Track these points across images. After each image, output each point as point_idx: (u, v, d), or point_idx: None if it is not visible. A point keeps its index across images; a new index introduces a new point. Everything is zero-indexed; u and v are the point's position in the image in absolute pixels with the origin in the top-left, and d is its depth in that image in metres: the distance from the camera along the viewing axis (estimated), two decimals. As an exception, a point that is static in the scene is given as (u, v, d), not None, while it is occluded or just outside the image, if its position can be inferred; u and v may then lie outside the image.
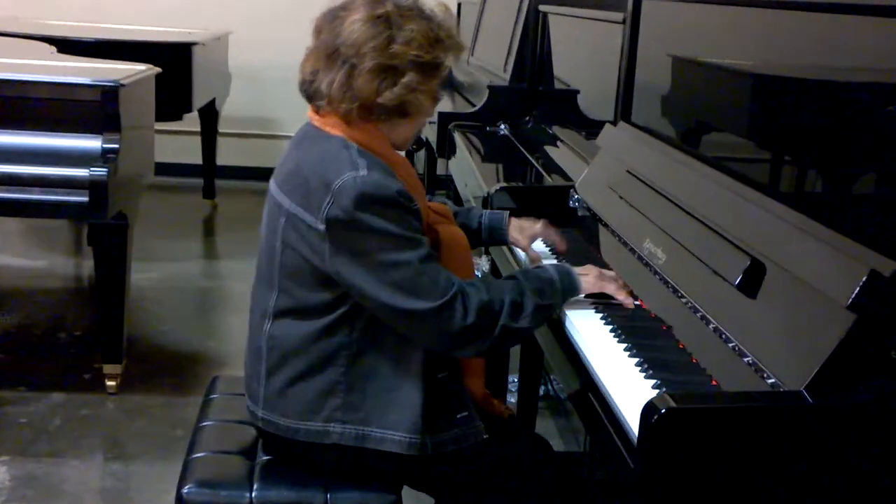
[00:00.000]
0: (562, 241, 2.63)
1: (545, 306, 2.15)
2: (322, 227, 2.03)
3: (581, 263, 2.42)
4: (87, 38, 5.53)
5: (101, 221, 3.77)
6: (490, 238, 2.62)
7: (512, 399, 3.61)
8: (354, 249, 2.03)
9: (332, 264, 2.05)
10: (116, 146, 3.68)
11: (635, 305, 2.29)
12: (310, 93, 2.18)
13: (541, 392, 3.77)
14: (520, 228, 2.62)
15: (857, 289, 1.62)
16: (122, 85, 3.73)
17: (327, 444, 2.16)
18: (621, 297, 2.28)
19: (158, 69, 4.33)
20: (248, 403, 2.30)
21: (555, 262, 2.53)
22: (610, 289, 2.28)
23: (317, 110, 2.19)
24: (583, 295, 2.27)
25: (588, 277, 2.26)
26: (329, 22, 2.15)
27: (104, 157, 3.66)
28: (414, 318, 2.05)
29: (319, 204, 2.03)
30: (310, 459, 2.22)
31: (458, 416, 2.20)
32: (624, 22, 3.06)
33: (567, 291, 2.21)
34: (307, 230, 2.07)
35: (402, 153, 2.35)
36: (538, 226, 2.63)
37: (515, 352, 3.46)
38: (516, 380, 3.57)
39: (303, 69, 2.19)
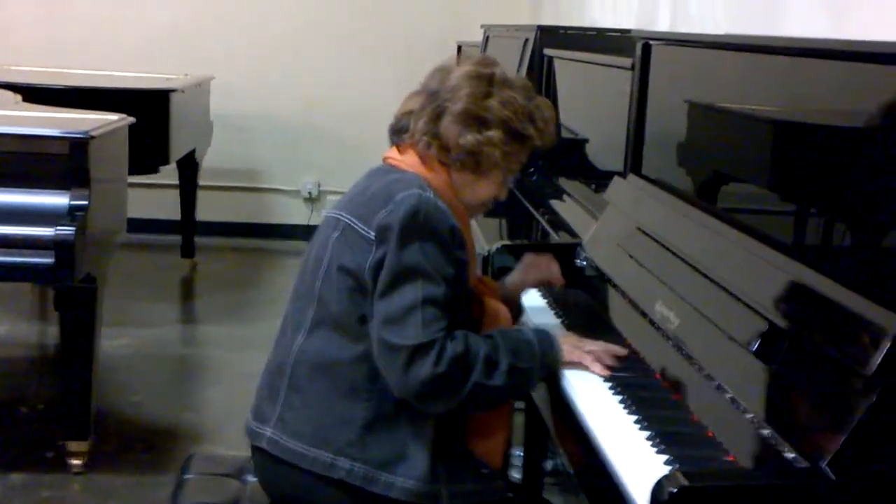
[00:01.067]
0: (550, 266, 2.72)
1: (521, 369, 2.21)
2: (372, 234, 2.18)
3: (590, 325, 2.45)
4: (55, 85, 5.58)
5: (67, 284, 3.76)
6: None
7: (517, 474, 3.60)
8: (391, 260, 2.15)
9: (368, 273, 2.18)
10: (85, 202, 3.69)
11: (648, 373, 2.30)
12: (397, 128, 2.38)
13: (549, 467, 3.76)
14: (512, 283, 2.71)
15: (882, 357, 1.64)
16: (93, 137, 3.75)
17: (333, 479, 2.21)
18: (597, 369, 2.29)
19: (132, 119, 4.35)
20: (252, 426, 2.36)
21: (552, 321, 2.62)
22: (586, 360, 2.31)
23: (398, 147, 2.35)
24: (562, 361, 2.30)
25: (569, 349, 2.31)
26: (438, 73, 2.35)
27: (72, 214, 3.67)
28: (389, 351, 2.13)
29: (377, 212, 2.18)
30: (310, 493, 2.26)
31: (482, 470, 2.28)
32: (633, 68, 3.10)
33: (545, 354, 2.26)
34: (357, 240, 2.21)
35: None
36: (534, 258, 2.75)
37: (520, 423, 3.46)
38: (521, 454, 3.56)
39: (401, 108, 2.38)
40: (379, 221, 2.18)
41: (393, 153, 2.37)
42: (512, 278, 2.70)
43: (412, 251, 2.14)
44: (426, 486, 2.19)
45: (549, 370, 2.28)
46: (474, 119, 2.25)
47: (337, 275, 2.24)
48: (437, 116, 2.27)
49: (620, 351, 2.36)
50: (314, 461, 2.22)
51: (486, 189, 2.36)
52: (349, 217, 2.26)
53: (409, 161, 2.32)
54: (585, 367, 2.30)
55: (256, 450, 2.36)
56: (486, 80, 2.29)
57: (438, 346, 2.11)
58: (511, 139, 2.28)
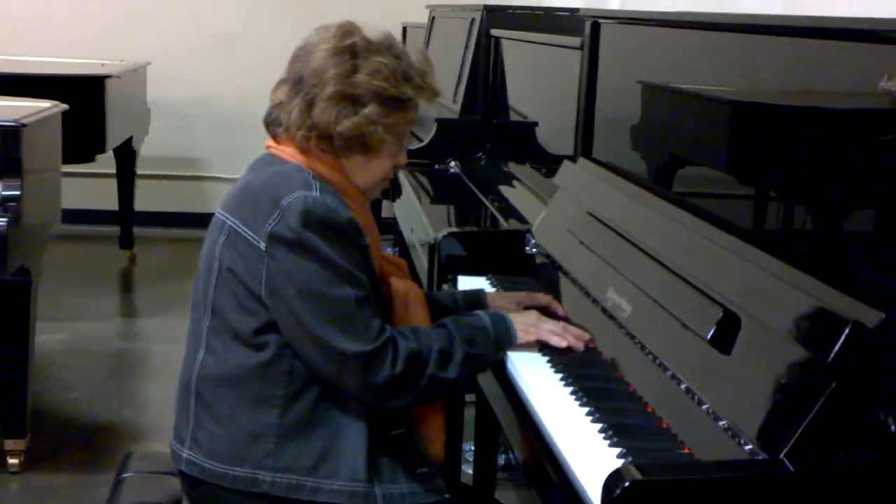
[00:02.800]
0: (553, 302, 2.61)
1: (476, 355, 2.22)
2: (263, 244, 2.11)
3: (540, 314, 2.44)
4: (-15, 71, 5.50)
5: (0, 278, 3.73)
6: (468, 310, 2.55)
7: (468, 469, 3.59)
8: (294, 272, 2.10)
9: (266, 286, 2.12)
10: (18, 193, 3.66)
11: (600, 363, 2.29)
12: (269, 121, 2.30)
13: (501, 461, 3.76)
14: (501, 297, 2.64)
15: (840, 343, 1.63)
16: (24, 125, 3.72)
17: (256, 493, 2.18)
18: (563, 343, 2.31)
19: (66, 106, 4.32)
20: (173, 446, 2.32)
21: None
22: (549, 337, 2.32)
23: (275, 138, 2.29)
24: (517, 342, 2.31)
25: (524, 328, 2.32)
26: (300, 53, 2.27)
27: (3, 205, 3.63)
28: (342, 360, 2.10)
29: (265, 220, 2.12)
30: None
31: (418, 471, 2.24)
32: (582, 47, 3.09)
33: (500, 339, 2.27)
34: (246, 248, 2.14)
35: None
36: (522, 293, 2.65)
37: (470, 417, 3.45)
38: (472, 448, 3.55)
39: (272, 99, 2.30)
40: (269, 231, 2.11)
41: (273, 143, 2.31)
42: (499, 301, 2.60)
43: (321, 254, 2.09)
44: (356, 486, 2.16)
45: (505, 349, 2.30)
46: (346, 100, 2.18)
47: (229, 283, 2.19)
48: (308, 106, 2.20)
49: (582, 335, 2.35)
50: (235, 479, 2.19)
51: (380, 165, 2.29)
52: (234, 220, 2.19)
53: (290, 151, 2.25)
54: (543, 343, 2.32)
55: (179, 470, 2.32)
56: (349, 54, 2.20)
57: (391, 347, 2.11)
58: (389, 108, 2.21)
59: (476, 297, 2.60)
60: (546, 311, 2.52)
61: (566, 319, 2.51)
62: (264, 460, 2.17)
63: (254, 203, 2.16)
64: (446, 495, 2.25)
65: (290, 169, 2.20)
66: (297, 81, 2.22)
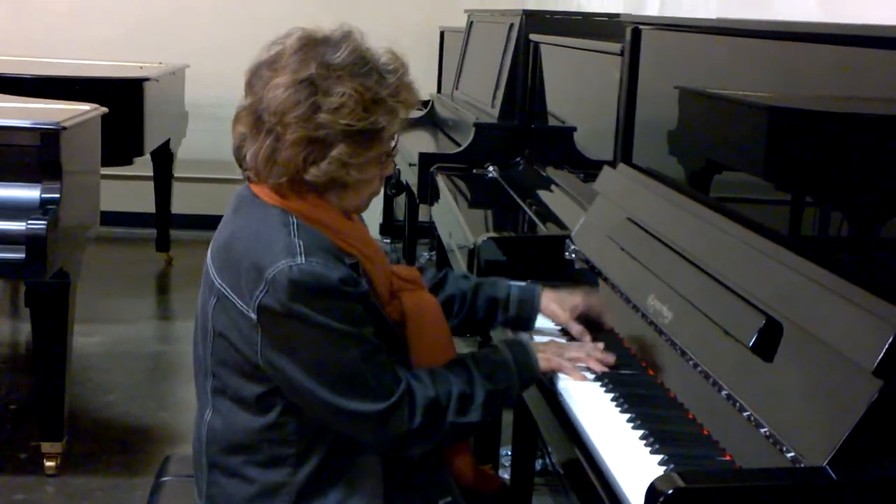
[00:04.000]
0: (606, 313, 2.57)
1: (498, 392, 2.16)
2: (253, 315, 2.02)
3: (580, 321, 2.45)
4: (25, 74, 5.54)
5: (39, 280, 3.75)
6: (519, 310, 2.51)
7: (505, 474, 3.59)
8: (290, 343, 2.02)
9: (263, 356, 2.04)
10: (57, 196, 3.68)
11: (641, 369, 2.29)
12: (238, 157, 2.17)
13: (538, 466, 3.76)
14: (557, 299, 2.53)
15: (884, 352, 1.63)
16: (64, 128, 3.73)
17: None
18: (575, 376, 2.24)
19: (105, 109, 4.34)
20: (194, 489, 2.30)
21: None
22: (565, 368, 2.25)
23: (248, 180, 2.17)
24: (540, 373, 2.25)
25: (546, 357, 2.25)
26: (255, 79, 2.13)
27: (43, 208, 3.65)
28: (357, 420, 2.05)
29: (252, 290, 2.02)
30: None
31: (440, 501, 2.21)
32: (622, 53, 3.09)
33: (522, 370, 2.20)
34: (238, 315, 2.06)
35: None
36: (578, 297, 2.55)
37: (508, 422, 3.45)
38: (510, 452, 3.55)
39: (234, 132, 2.17)
40: (258, 303, 2.00)
41: (252, 185, 2.16)
42: (554, 304, 2.51)
43: (318, 323, 1.99)
44: None
45: (528, 383, 2.26)
46: (312, 143, 2.02)
47: (225, 349, 2.11)
48: (273, 151, 2.04)
49: (606, 358, 2.29)
50: None
51: (365, 190, 2.17)
52: (221, 284, 2.10)
53: (268, 194, 2.11)
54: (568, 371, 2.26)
55: None
56: (308, 88, 2.02)
57: (407, 400, 2.04)
58: (361, 145, 2.06)
59: (529, 298, 2.50)
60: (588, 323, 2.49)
61: (614, 339, 2.47)
62: None
63: (238, 268, 2.06)
64: None
65: (272, 224, 2.07)
66: (256, 119, 2.07)
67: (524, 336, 2.39)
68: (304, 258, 2.00)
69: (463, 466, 2.34)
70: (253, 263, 2.03)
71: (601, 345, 2.36)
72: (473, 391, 2.11)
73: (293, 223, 2.06)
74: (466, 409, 2.09)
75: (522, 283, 2.61)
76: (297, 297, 1.98)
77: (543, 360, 2.24)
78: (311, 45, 2.09)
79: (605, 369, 2.27)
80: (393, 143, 2.17)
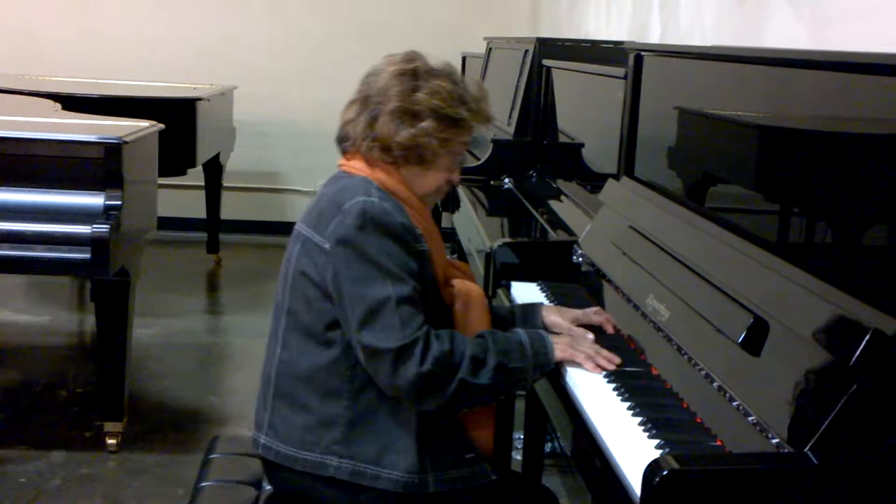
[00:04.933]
0: (608, 323, 2.52)
1: (511, 368, 2.14)
2: (328, 245, 2.12)
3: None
4: (91, 94, 5.57)
5: (103, 278, 3.77)
6: (523, 321, 2.53)
7: (517, 456, 3.59)
8: (349, 271, 2.10)
9: (330, 283, 2.12)
10: (119, 203, 3.69)
11: (640, 363, 2.28)
12: (340, 138, 2.31)
13: (547, 449, 3.75)
14: (558, 311, 2.56)
15: (861, 349, 1.62)
16: (125, 142, 3.75)
17: (323, 477, 2.19)
18: (590, 366, 2.22)
19: (162, 125, 4.35)
20: (253, 434, 2.34)
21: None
22: (579, 357, 2.24)
23: (346, 154, 2.29)
24: (555, 360, 2.22)
25: (562, 348, 2.23)
26: (368, 76, 2.29)
27: (106, 213, 3.67)
28: (374, 356, 2.07)
29: (328, 223, 2.13)
30: (309, 492, 2.23)
31: (466, 455, 2.22)
32: (626, 77, 3.08)
33: (538, 354, 2.18)
34: (316, 251, 2.15)
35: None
36: (578, 311, 2.56)
37: (521, 408, 3.45)
38: (522, 436, 3.55)
39: (342, 118, 2.31)
40: (331, 231, 2.13)
41: (343, 160, 2.31)
42: (554, 316, 2.52)
43: (368, 251, 2.09)
44: (412, 476, 2.15)
45: (544, 370, 2.21)
46: (406, 114, 2.19)
47: (301, 285, 2.20)
48: (372, 120, 2.21)
49: (613, 358, 2.26)
50: (305, 462, 2.20)
51: (435, 177, 2.28)
52: (306, 229, 2.21)
53: (357, 166, 2.25)
54: (578, 364, 2.24)
55: (259, 455, 2.33)
56: (411, 75, 2.22)
57: (422, 345, 2.05)
58: (445, 125, 2.21)
59: (531, 310, 2.54)
60: (594, 328, 2.46)
61: (616, 336, 2.46)
62: (332, 447, 2.18)
63: (322, 213, 2.18)
64: (493, 477, 2.23)
65: (357, 181, 2.21)
66: (365, 100, 2.24)
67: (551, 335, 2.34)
68: (377, 199, 2.14)
69: (483, 440, 2.32)
70: (335, 203, 2.16)
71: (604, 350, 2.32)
72: (486, 358, 2.11)
73: (374, 185, 2.19)
74: (477, 371, 2.09)
75: (524, 304, 2.65)
76: (364, 225, 2.10)
77: (559, 350, 2.23)
78: (417, 55, 2.29)
79: (613, 367, 2.24)
80: (464, 151, 2.32)
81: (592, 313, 2.53)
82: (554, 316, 2.52)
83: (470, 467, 2.22)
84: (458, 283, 2.34)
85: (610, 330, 2.50)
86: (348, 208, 2.12)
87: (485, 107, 2.30)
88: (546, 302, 2.77)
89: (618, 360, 2.26)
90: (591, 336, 2.38)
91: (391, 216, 2.12)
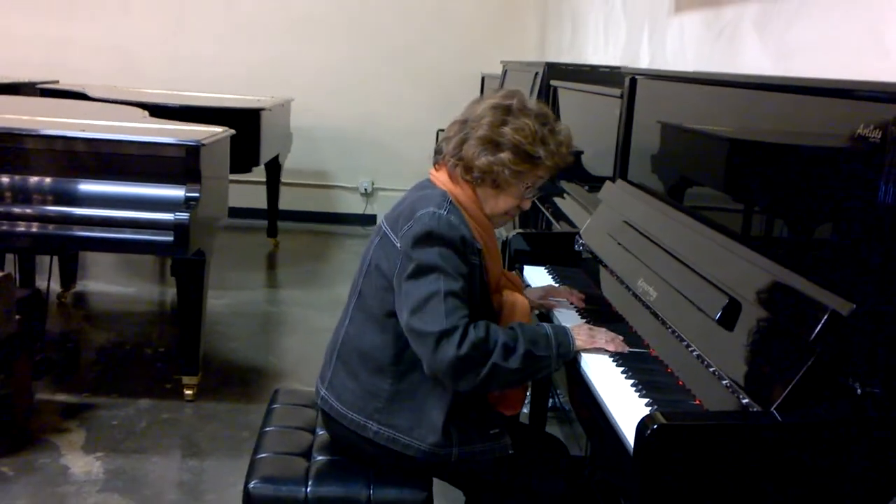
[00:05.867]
0: (570, 294, 2.54)
1: (537, 356, 2.07)
2: (399, 244, 2.11)
3: (587, 297, 2.43)
4: (174, 104, 5.58)
5: (182, 257, 3.79)
6: None
7: (525, 410, 3.59)
8: (409, 267, 2.07)
9: (395, 277, 2.11)
10: (197, 195, 3.71)
11: (633, 336, 2.28)
12: (437, 150, 2.30)
13: (549, 404, 3.75)
14: (530, 290, 2.57)
15: (820, 326, 1.62)
16: (203, 144, 3.76)
17: (364, 437, 2.20)
18: (611, 348, 2.18)
19: (232, 131, 4.37)
20: (317, 383, 2.35)
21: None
22: (600, 343, 2.18)
23: (436, 165, 2.27)
24: (576, 349, 2.15)
25: (581, 338, 2.17)
26: (472, 104, 2.25)
27: (186, 203, 3.69)
28: (420, 339, 2.04)
29: (403, 225, 2.12)
30: (353, 444, 2.24)
31: (491, 431, 2.21)
32: (622, 97, 3.07)
33: (561, 345, 2.12)
34: (390, 247, 2.14)
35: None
36: (547, 286, 2.58)
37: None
38: (529, 394, 3.55)
39: (443, 136, 2.28)
40: (403, 234, 2.10)
41: (433, 170, 2.28)
42: (530, 294, 2.54)
43: (429, 254, 2.05)
44: (439, 448, 2.14)
45: (566, 358, 2.13)
46: (490, 143, 2.14)
47: (373, 274, 2.19)
48: (462, 142, 2.17)
49: (626, 346, 2.20)
50: (351, 421, 2.21)
51: (505, 202, 2.22)
52: (386, 226, 2.19)
53: (441, 178, 2.22)
54: (600, 350, 2.17)
55: (317, 405, 2.35)
56: (504, 110, 2.16)
57: (461, 332, 2.00)
58: (521, 160, 2.14)
59: None
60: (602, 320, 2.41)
61: (611, 312, 2.44)
62: (374, 414, 2.18)
63: (401, 214, 2.15)
64: (511, 452, 2.20)
65: (435, 194, 2.17)
66: (462, 123, 2.20)
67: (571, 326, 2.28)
68: (446, 213, 2.11)
69: (512, 403, 2.32)
70: (411, 209, 2.14)
71: (620, 337, 2.25)
72: (516, 345, 2.05)
73: (448, 199, 2.16)
74: (508, 356, 2.04)
75: None
76: (429, 233, 2.07)
77: (580, 341, 2.16)
78: (518, 94, 2.23)
79: (627, 350, 2.18)
80: (538, 184, 2.24)
81: (558, 287, 2.58)
82: (534, 296, 2.53)
83: (492, 442, 2.19)
84: (507, 294, 2.31)
85: (575, 300, 2.53)
86: (420, 216, 2.09)
87: (564, 151, 2.21)
88: (552, 282, 2.77)
89: (627, 348, 2.18)
90: (573, 295, 2.42)
91: (454, 229, 2.08)
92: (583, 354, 2.16)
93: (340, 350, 2.27)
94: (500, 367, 2.03)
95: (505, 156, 2.13)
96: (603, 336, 2.20)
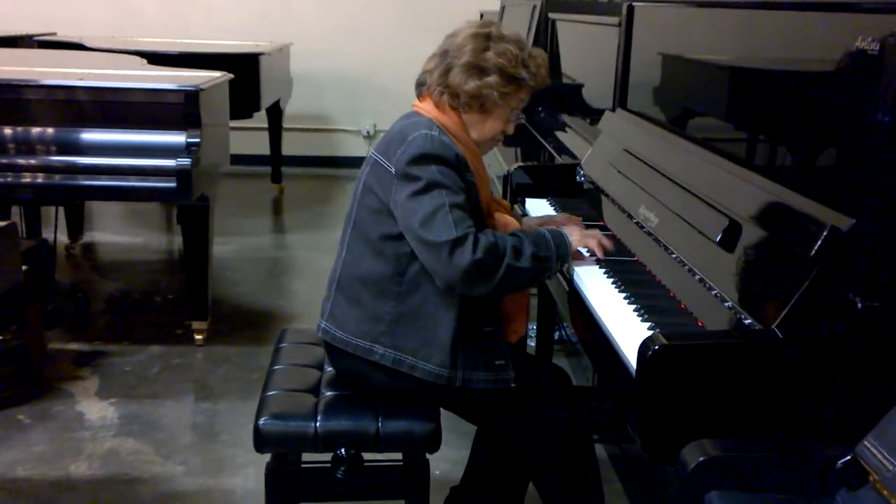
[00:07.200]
0: (569, 220, 2.51)
1: (542, 257, 2.13)
2: (393, 169, 2.12)
3: (589, 226, 2.43)
4: (172, 51, 5.54)
5: (186, 203, 3.79)
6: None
7: (532, 343, 3.61)
8: (410, 187, 2.08)
9: (393, 197, 2.12)
10: (198, 140, 3.69)
11: (634, 262, 2.28)
12: (419, 83, 2.29)
13: (556, 337, 3.77)
14: (528, 219, 2.58)
15: (819, 242, 1.61)
16: (202, 89, 3.74)
17: (370, 361, 2.21)
18: (597, 247, 2.28)
19: (231, 76, 4.34)
20: (319, 320, 2.35)
21: None
22: (592, 243, 2.29)
23: (420, 97, 2.28)
24: (573, 248, 2.24)
25: (574, 235, 2.27)
26: (449, 37, 2.27)
27: (188, 149, 3.68)
28: (433, 249, 2.05)
29: (395, 151, 2.13)
30: (359, 372, 2.25)
31: (496, 362, 2.21)
32: (620, 25, 3.03)
33: (559, 246, 2.18)
34: (383, 172, 2.15)
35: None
36: (544, 216, 2.60)
37: (533, 304, 3.45)
38: (535, 327, 3.56)
39: (423, 67, 2.28)
40: (397, 158, 2.11)
41: (417, 102, 2.30)
42: (528, 225, 2.53)
43: (428, 172, 2.07)
44: (443, 371, 2.15)
45: (565, 258, 2.20)
46: (475, 68, 2.17)
47: (366, 198, 2.19)
48: (447, 71, 2.19)
49: (611, 244, 2.31)
50: (356, 347, 2.21)
51: (492, 126, 2.25)
52: (377, 154, 2.19)
53: (427, 108, 2.23)
54: (591, 250, 2.29)
55: (319, 339, 2.36)
56: (484, 37, 2.19)
57: (472, 238, 2.03)
58: (507, 82, 2.17)
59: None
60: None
61: (612, 234, 2.46)
62: (379, 337, 2.19)
63: (391, 141, 2.17)
64: (513, 385, 2.20)
65: (423, 120, 2.19)
66: (443, 54, 2.22)
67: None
68: (437, 133, 2.13)
69: (513, 333, 2.33)
70: (401, 136, 2.15)
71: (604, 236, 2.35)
72: (523, 247, 2.11)
73: (436, 125, 2.18)
74: (519, 257, 2.09)
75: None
76: (424, 154, 2.09)
77: (574, 240, 2.25)
78: (493, 23, 2.27)
79: (612, 248, 2.29)
80: (520, 107, 2.28)
81: (556, 216, 2.57)
82: (533, 222, 2.53)
83: (496, 373, 2.19)
84: (499, 216, 2.33)
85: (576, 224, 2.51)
86: (412, 139, 2.11)
87: (543, 73, 2.26)
88: (554, 213, 2.76)
89: (613, 245, 2.32)
90: (574, 223, 2.43)
91: (448, 147, 2.11)
92: (585, 283, 2.16)
93: (340, 280, 2.27)
94: (513, 268, 2.08)
95: (491, 79, 2.17)
96: (593, 235, 2.30)
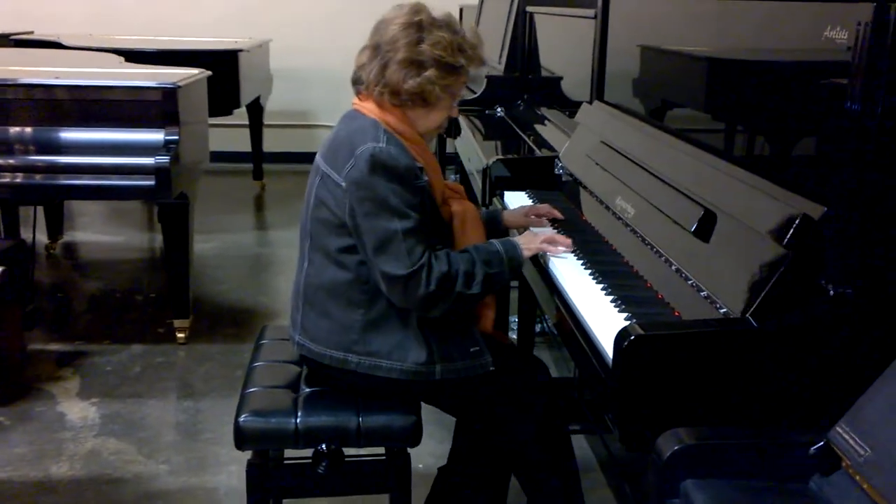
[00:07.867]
0: (550, 211, 2.56)
1: (494, 274, 2.14)
2: (343, 184, 2.09)
3: (566, 219, 2.44)
4: (150, 48, 5.52)
5: (166, 201, 3.77)
6: (489, 225, 2.52)
7: (513, 335, 3.62)
8: (362, 208, 2.07)
9: (348, 216, 2.10)
10: (176, 137, 3.68)
11: (612, 253, 2.28)
12: (354, 80, 2.24)
13: (537, 329, 3.78)
14: (512, 212, 2.60)
15: (793, 230, 1.62)
16: (179, 86, 3.73)
17: (346, 370, 2.20)
18: (551, 250, 2.28)
19: (209, 72, 4.33)
20: (289, 331, 2.35)
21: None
22: (546, 248, 2.28)
23: (360, 95, 2.23)
24: (524, 258, 2.24)
25: (527, 245, 2.25)
26: (378, 25, 2.21)
27: (166, 147, 3.66)
28: (388, 280, 2.07)
29: (344, 164, 2.10)
30: (337, 379, 2.25)
31: (471, 349, 2.21)
32: (596, 17, 3.04)
33: (511, 259, 2.18)
34: (334, 186, 2.12)
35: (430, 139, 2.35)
36: (528, 205, 2.60)
37: (514, 297, 3.46)
38: (516, 319, 3.57)
39: (356, 63, 2.24)
40: (346, 173, 2.08)
41: (357, 101, 2.25)
42: (511, 216, 2.58)
43: (378, 191, 2.05)
44: (422, 367, 2.15)
45: (518, 268, 2.22)
46: (412, 64, 2.11)
47: (320, 213, 2.17)
48: (383, 68, 2.13)
49: (565, 239, 2.31)
50: (331, 358, 2.20)
51: (437, 116, 2.22)
52: (325, 166, 2.16)
53: (369, 107, 2.18)
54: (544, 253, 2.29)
55: (295, 350, 2.34)
56: (416, 27, 2.12)
57: (426, 271, 2.05)
58: (446, 73, 2.13)
59: (495, 215, 2.56)
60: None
61: (568, 221, 2.50)
62: (352, 346, 2.17)
63: (337, 152, 2.13)
64: (492, 368, 2.21)
65: (367, 124, 2.14)
66: (376, 48, 2.16)
67: (516, 237, 2.34)
68: (385, 144, 2.09)
69: (486, 319, 2.33)
70: (349, 146, 2.11)
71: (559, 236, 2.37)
72: (475, 271, 2.12)
73: (382, 128, 2.14)
74: (470, 283, 2.11)
75: (488, 210, 2.67)
76: (373, 170, 2.06)
77: (525, 250, 2.23)
78: (422, 7, 2.19)
79: (570, 245, 2.30)
80: (462, 91, 2.25)
81: (539, 206, 2.57)
82: (511, 216, 2.55)
83: (472, 359, 2.20)
84: (455, 204, 2.32)
85: (556, 215, 2.54)
86: (360, 154, 2.06)
87: (480, 52, 2.23)
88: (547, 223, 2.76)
89: (569, 240, 2.31)
90: (547, 229, 2.42)
91: (396, 160, 2.07)
92: (563, 274, 2.16)
93: (306, 292, 2.25)
94: (465, 295, 2.11)
95: (430, 73, 2.12)
96: (541, 236, 2.29)
